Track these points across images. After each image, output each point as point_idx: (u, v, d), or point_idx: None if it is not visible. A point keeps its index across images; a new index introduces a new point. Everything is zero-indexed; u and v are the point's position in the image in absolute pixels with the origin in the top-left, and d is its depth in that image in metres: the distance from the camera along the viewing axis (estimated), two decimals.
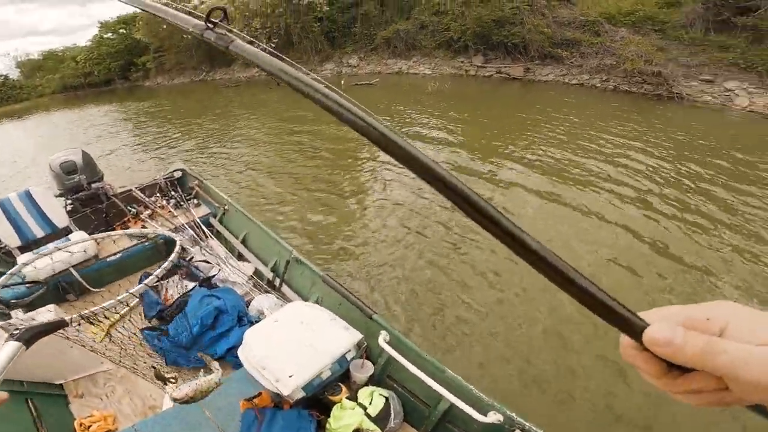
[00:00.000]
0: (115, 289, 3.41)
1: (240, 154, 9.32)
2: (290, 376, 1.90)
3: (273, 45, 20.29)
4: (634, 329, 0.30)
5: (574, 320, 3.48)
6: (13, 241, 3.35)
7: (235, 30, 0.44)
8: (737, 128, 9.43)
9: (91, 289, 3.32)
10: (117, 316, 3.15)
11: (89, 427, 2.33)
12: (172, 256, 1.72)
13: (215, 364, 2.21)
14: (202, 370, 2.65)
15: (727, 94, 11.19)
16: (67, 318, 1.08)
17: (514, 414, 1.83)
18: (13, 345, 0.79)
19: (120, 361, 2.29)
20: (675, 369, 0.30)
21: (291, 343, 2.09)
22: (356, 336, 2.18)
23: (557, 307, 3.65)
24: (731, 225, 4.97)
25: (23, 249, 3.39)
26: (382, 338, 2.21)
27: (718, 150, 7.65)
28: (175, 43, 26.53)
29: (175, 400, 1.65)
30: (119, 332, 2.66)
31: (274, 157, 8.79)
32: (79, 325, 1.61)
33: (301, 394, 1.95)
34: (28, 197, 3.45)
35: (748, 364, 0.26)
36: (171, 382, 1.95)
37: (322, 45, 20.41)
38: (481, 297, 3.88)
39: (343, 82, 16.62)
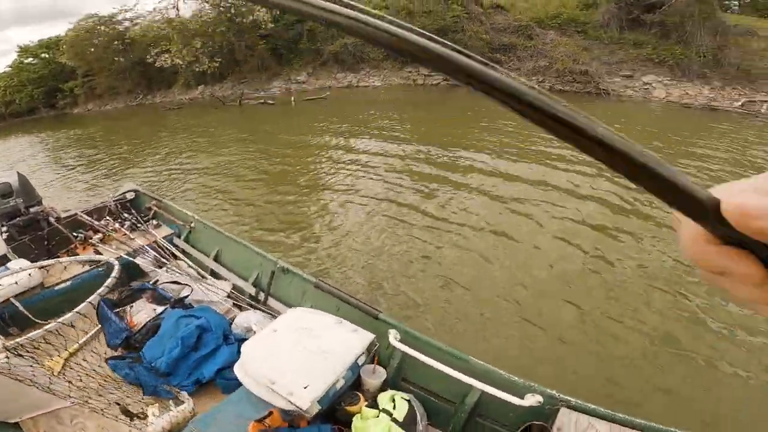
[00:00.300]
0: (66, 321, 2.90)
1: (193, 171, 8.66)
2: (305, 388, 1.62)
3: (216, 65, 19.40)
4: (702, 204, 0.20)
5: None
6: None
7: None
8: (658, 117, 10.44)
9: (37, 321, 2.79)
10: (74, 346, 2.67)
11: None
12: (113, 275, 1.55)
13: (184, 394, 1.87)
14: (171, 401, 2.29)
15: (646, 87, 12.36)
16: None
17: (555, 392, 1.70)
18: None
19: (87, 401, 1.87)
20: (745, 261, 0.20)
21: (297, 352, 1.83)
22: (368, 337, 1.95)
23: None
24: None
25: None
26: (393, 337, 2.00)
27: (645, 135, 8.45)
28: (106, 66, 24.25)
29: None
30: (79, 365, 2.22)
31: (236, 169, 8.42)
32: (33, 359, 1.25)
33: (317, 408, 1.67)
34: None
35: None
36: (140, 418, 1.59)
37: (269, 62, 19.90)
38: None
39: (293, 98, 16.15)
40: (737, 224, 0.19)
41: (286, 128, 11.85)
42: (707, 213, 0.20)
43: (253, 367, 1.74)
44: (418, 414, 1.88)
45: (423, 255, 4.34)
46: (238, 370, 1.80)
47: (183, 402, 1.66)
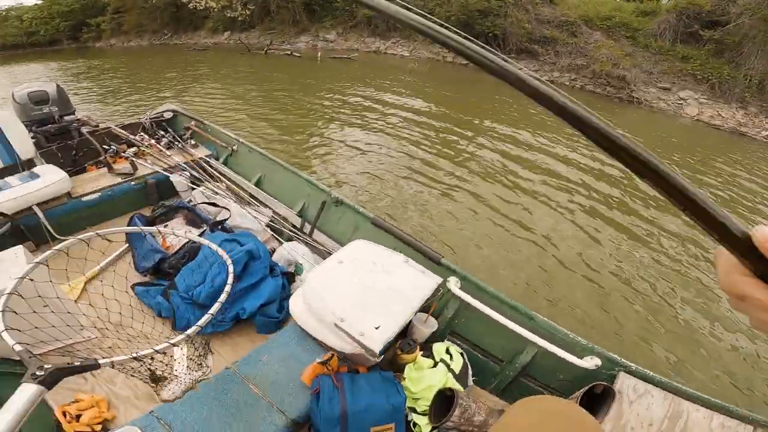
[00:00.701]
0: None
1: (218, 108, 8.57)
2: (376, 329, 1.46)
3: (248, 12, 18.73)
4: (736, 236, 0.26)
5: None
6: None
7: None
8: (681, 133, 10.12)
9: (58, 236, 2.56)
10: (96, 269, 2.48)
11: (78, 416, 1.71)
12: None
13: (209, 361, 1.66)
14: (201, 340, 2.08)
15: (679, 102, 11.95)
16: (101, 360, 0.76)
17: (616, 356, 1.60)
18: (34, 390, 0.59)
19: (106, 334, 1.68)
20: None
21: (366, 288, 1.64)
22: (436, 281, 1.77)
23: None
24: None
25: None
26: (454, 284, 1.84)
27: (662, 149, 8.30)
28: (139, 3, 23.54)
29: (164, 401, 1.32)
30: (101, 292, 2.01)
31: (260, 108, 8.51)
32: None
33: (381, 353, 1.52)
34: None
35: None
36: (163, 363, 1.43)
37: (301, 17, 19.09)
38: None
39: (319, 54, 15.78)
40: (763, 250, 0.24)
41: (311, 78, 11.83)
42: (740, 244, 0.26)
43: (318, 301, 1.56)
44: (469, 369, 1.76)
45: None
46: (296, 304, 1.63)
47: (203, 367, 1.48)
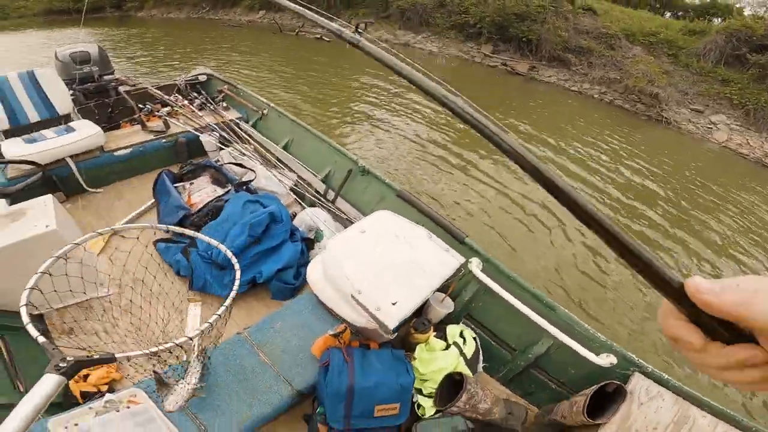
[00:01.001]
0: (117, 191, 2.70)
1: (256, 81, 8.74)
2: (393, 304, 1.41)
3: None
4: (672, 286, 0.30)
5: None
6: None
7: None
8: (706, 158, 9.74)
9: (88, 188, 2.61)
10: (120, 223, 2.49)
11: (86, 377, 1.69)
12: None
13: (195, 372, 1.46)
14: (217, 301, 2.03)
15: (709, 126, 11.51)
16: (117, 355, 0.81)
17: (633, 356, 1.54)
18: (56, 380, 0.62)
19: (124, 291, 1.62)
20: (716, 340, 0.28)
21: (387, 261, 1.58)
22: (459, 260, 1.69)
23: None
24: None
25: (8, 134, 2.69)
26: (476, 265, 1.77)
27: (683, 172, 8.05)
28: None
29: (169, 412, 1.27)
30: (121, 248, 1.95)
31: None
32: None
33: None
34: (31, 78, 2.70)
35: None
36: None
37: (335, 2, 18.96)
38: None
39: (348, 43, 15.88)
40: (691, 297, 0.28)
41: (338, 63, 12.02)
42: (675, 293, 0.29)
43: (336, 270, 1.50)
44: (480, 354, 1.71)
45: None
46: (313, 271, 1.59)
47: (193, 376, 1.42)
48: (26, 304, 0.90)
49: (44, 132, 2.55)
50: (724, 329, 0.28)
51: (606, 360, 1.52)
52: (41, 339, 0.75)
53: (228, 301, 1.10)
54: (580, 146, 7.66)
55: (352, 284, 1.46)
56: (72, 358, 0.66)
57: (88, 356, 0.69)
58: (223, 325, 1.40)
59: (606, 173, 6.67)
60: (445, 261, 1.64)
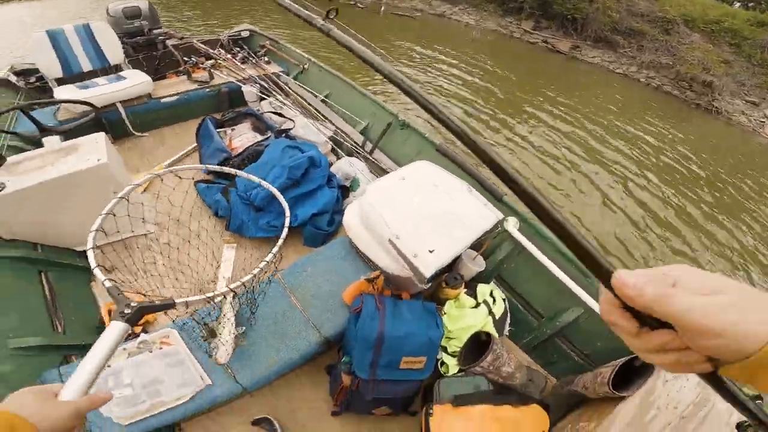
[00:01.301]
0: (161, 136, 2.79)
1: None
2: (431, 252, 1.36)
3: None
4: (607, 275, 0.32)
5: None
6: (54, 71, 2.69)
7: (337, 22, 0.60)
8: (755, 151, 9.00)
9: (134, 132, 2.70)
10: (162, 164, 2.53)
11: None
12: None
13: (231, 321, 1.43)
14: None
15: (763, 120, 10.60)
16: (177, 300, 0.81)
17: None
18: (122, 327, 0.61)
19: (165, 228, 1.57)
20: (645, 326, 0.31)
21: (425, 210, 1.52)
22: (497, 215, 1.63)
23: None
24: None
25: (61, 82, 2.78)
26: (513, 225, 1.69)
27: (724, 164, 7.49)
28: None
29: (220, 364, 1.28)
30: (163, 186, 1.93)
31: None
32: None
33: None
34: (86, 30, 2.78)
35: (691, 310, 0.28)
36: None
37: None
38: None
39: (382, 9, 15.11)
40: (616, 291, 0.31)
41: (371, 28, 11.68)
42: (608, 281, 0.31)
43: (375, 214, 1.46)
44: (508, 317, 1.66)
45: None
46: (351, 215, 1.56)
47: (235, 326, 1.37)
48: (93, 247, 0.89)
49: (96, 80, 2.65)
50: (650, 317, 0.30)
51: None
52: (108, 283, 0.75)
53: (280, 242, 1.08)
54: (620, 125, 7.24)
55: (390, 229, 1.42)
56: (136, 304, 0.65)
57: (150, 302, 0.69)
58: (268, 272, 1.39)
59: (645, 156, 6.31)
60: (484, 215, 1.57)
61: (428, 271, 1.35)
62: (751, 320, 0.26)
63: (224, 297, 1.44)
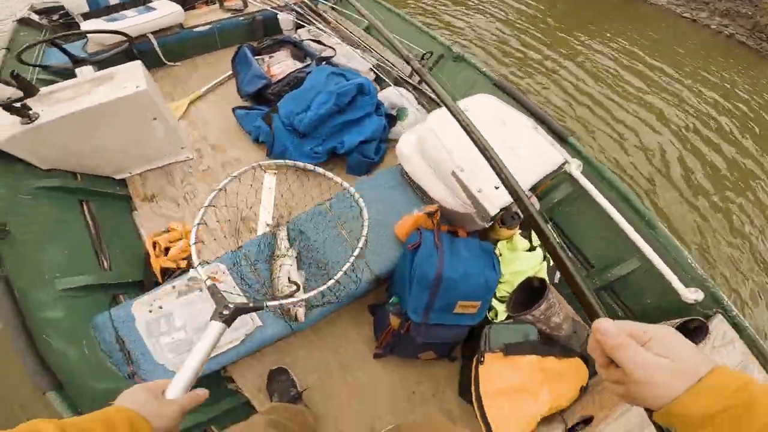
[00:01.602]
0: (193, 65, 2.67)
1: None
2: (496, 188, 1.20)
3: None
4: (595, 317, 0.41)
5: None
6: (80, 6, 2.55)
7: None
8: None
9: (167, 62, 2.58)
10: (201, 90, 2.42)
11: (167, 250, 1.55)
12: None
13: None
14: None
15: None
16: (268, 303, 0.80)
17: (724, 296, 1.30)
18: (220, 327, 0.65)
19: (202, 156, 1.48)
20: (613, 363, 0.39)
21: (491, 143, 1.33)
22: (563, 155, 1.45)
23: None
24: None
25: (87, 17, 2.64)
26: (575, 167, 1.52)
27: None
28: None
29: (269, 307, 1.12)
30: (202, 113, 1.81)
31: None
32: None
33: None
34: None
35: (635, 363, 0.36)
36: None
37: None
38: None
39: None
40: (592, 333, 0.40)
41: None
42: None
43: (436, 144, 1.30)
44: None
45: None
46: (406, 144, 1.40)
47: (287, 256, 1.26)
48: (199, 224, 0.88)
49: (124, 12, 2.52)
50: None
51: (693, 295, 1.30)
52: (209, 282, 0.76)
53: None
54: (687, 71, 6.46)
55: (453, 160, 1.26)
56: (233, 305, 0.68)
57: (245, 304, 0.71)
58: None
59: (708, 105, 5.62)
60: (550, 154, 1.39)
61: (493, 209, 1.21)
62: (671, 384, 0.34)
63: (276, 235, 1.38)
